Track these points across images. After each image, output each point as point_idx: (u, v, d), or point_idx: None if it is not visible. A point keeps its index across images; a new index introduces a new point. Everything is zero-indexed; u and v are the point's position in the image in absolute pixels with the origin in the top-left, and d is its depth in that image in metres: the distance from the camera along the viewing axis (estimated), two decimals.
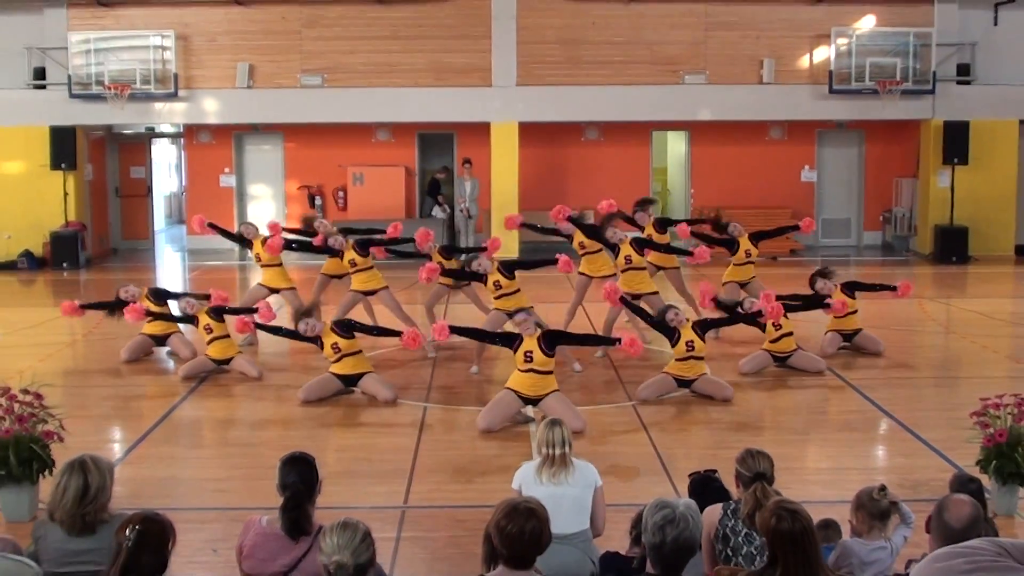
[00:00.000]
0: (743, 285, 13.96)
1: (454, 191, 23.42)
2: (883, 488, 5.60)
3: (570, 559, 5.70)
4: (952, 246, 21.87)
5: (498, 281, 12.04)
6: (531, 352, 9.93)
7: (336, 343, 11.05)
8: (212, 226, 14.05)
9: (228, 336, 12.38)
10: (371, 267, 13.35)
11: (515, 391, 10.09)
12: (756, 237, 13.91)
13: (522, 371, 10.03)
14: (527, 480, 6.10)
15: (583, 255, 13.29)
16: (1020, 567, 2.27)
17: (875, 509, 5.55)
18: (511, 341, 10.18)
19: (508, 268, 12.15)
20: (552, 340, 10.10)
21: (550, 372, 10.08)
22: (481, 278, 12.17)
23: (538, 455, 6.29)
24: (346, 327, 11.18)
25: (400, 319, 13.03)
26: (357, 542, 4.38)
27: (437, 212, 23.45)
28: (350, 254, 13.28)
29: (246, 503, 8.03)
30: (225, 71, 22.09)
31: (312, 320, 11.07)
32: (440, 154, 24.52)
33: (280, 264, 13.99)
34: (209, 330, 12.23)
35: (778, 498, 4.77)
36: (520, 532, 4.50)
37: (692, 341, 10.89)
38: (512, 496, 5.25)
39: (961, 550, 2.36)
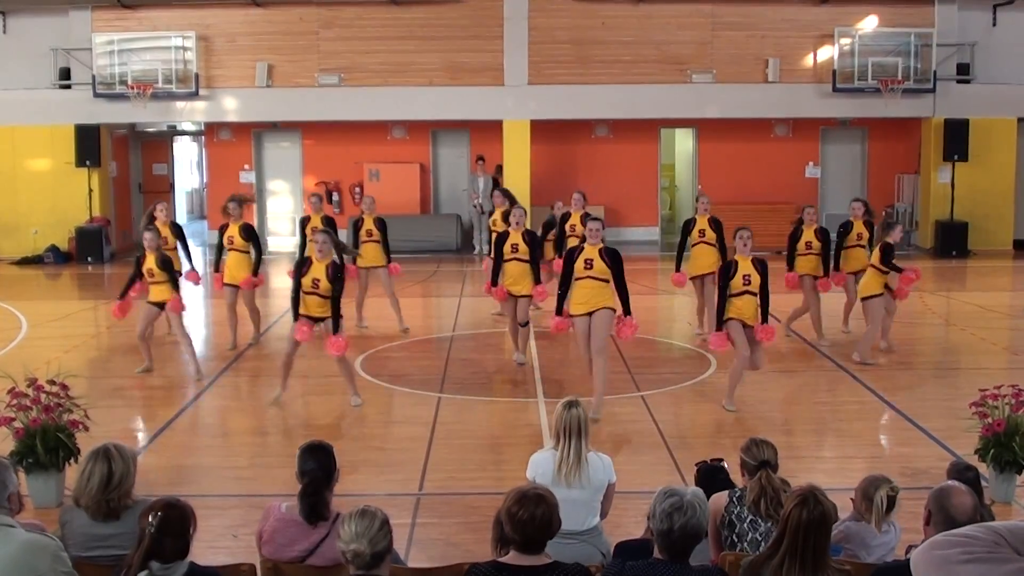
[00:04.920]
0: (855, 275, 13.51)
1: (471, 188, 23.87)
2: (889, 498, 5.56)
3: (580, 554, 5.68)
4: (952, 241, 22.29)
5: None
6: (591, 259, 10.44)
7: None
8: None
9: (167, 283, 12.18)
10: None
11: (578, 312, 10.57)
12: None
13: (579, 279, 10.53)
14: (543, 477, 6.08)
15: None
16: (1017, 557, 2.25)
17: (879, 512, 5.57)
18: (572, 258, 10.65)
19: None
20: (613, 255, 10.52)
21: (607, 281, 10.49)
22: None
23: (552, 438, 6.33)
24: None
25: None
26: (375, 530, 4.39)
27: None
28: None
29: (266, 490, 8.18)
30: (245, 71, 22.58)
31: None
32: (454, 150, 25.05)
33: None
34: (151, 274, 12.00)
35: (811, 485, 4.72)
36: (531, 518, 4.58)
37: (749, 275, 10.60)
38: (524, 484, 5.32)
39: (958, 539, 2.33)
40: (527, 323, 12.69)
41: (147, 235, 12.06)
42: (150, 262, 11.93)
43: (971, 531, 2.35)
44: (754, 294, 10.61)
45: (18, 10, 22.50)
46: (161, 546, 4.46)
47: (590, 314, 10.49)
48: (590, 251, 10.51)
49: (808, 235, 13.55)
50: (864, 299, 12.64)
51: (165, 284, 11.97)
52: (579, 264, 10.51)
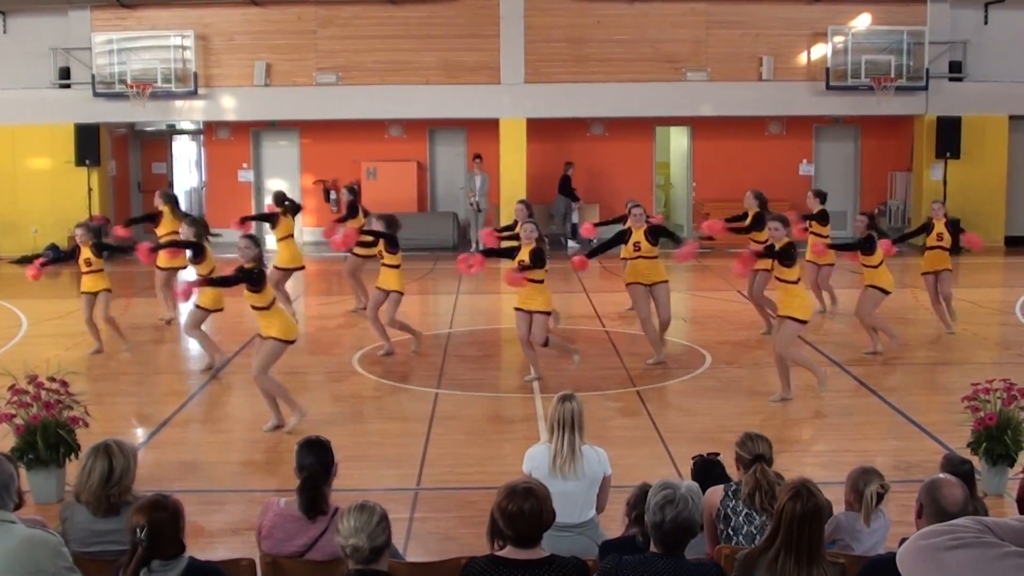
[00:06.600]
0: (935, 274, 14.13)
1: (468, 186, 23.97)
2: (879, 496, 5.56)
3: (577, 546, 5.77)
4: None
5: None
6: (639, 242, 12.18)
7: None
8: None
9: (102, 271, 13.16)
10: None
11: (637, 282, 12.30)
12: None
13: (632, 259, 12.36)
14: (539, 470, 6.18)
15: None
16: (1002, 543, 2.27)
17: (869, 508, 5.55)
18: (623, 237, 12.41)
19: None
20: (656, 232, 12.28)
21: (656, 258, 12.33)
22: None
23: (547, 432, 6.42)
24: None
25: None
26: (373, 525, 4.42)
27: (573, 212, 23.93)
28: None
29: (265, 485, 8.36)
30: (243, 70, 22.72)
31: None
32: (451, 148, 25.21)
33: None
34: (88, 263, 12.95)
35: (803, 478, 4.78)
36: (520, 511, 4.62)
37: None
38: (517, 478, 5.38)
39: (946, 528, 2.34)
40: (546, 343, 11.73)
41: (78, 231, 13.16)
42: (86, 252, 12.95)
43: (959, 521, 2.36)
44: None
45: (18, 10, 22.62)
46: (155, 552, 4.45)
47: (649, 287, 12.28)
48: (636, 235, 12.24)
49: (939, 227, 14.03)
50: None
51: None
52: (628, 247, 12.36)
